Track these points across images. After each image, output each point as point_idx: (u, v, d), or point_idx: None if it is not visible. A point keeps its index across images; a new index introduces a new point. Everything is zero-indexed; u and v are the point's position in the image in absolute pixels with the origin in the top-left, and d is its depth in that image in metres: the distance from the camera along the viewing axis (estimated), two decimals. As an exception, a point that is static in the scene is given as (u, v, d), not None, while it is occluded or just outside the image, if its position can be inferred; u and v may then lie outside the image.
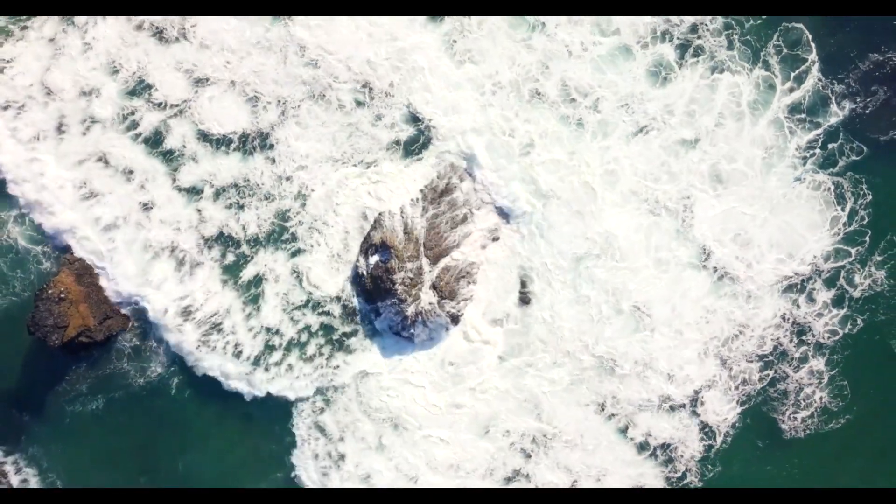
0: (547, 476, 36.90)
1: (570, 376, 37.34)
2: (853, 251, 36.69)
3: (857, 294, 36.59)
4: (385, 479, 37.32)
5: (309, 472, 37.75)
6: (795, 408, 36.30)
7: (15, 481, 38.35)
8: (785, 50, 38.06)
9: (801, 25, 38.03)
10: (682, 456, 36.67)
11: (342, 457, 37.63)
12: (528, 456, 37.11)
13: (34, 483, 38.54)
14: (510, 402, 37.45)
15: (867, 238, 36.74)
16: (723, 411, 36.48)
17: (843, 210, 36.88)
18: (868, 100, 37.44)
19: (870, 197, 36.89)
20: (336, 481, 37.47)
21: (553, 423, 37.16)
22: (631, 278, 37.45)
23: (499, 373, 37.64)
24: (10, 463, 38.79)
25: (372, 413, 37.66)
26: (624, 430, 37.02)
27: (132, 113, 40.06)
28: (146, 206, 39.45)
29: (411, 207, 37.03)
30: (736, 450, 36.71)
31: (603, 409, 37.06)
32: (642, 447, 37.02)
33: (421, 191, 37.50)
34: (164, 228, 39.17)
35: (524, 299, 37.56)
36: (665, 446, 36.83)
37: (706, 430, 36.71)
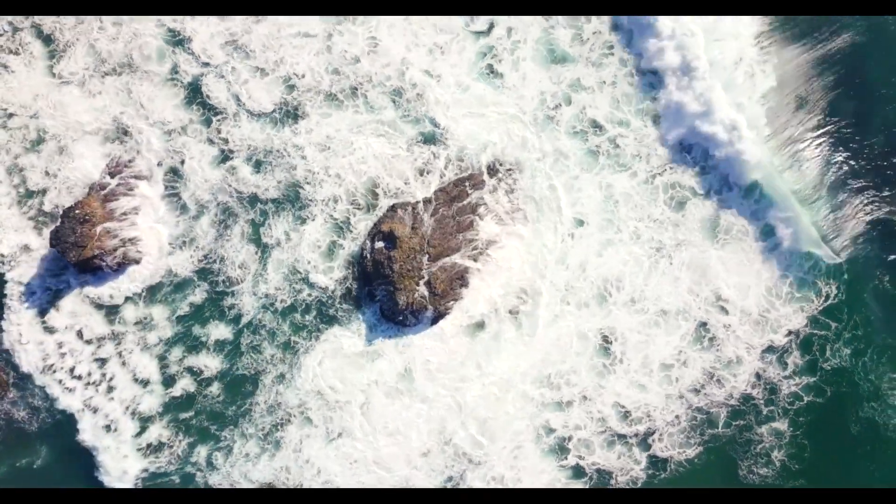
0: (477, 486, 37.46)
1: (521, 401, 38.09)
2: (833, 325, 36.88)
3: (826, 366, 36.70)
4: (332, 469, 38.44)
5: (248, 445, 39.18)
6: (753, 461, 36.52)
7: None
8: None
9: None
10: (616, 479, 37.01)
11: (279, 441, 39.02)
12: (470, 463, 37.76)
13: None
14: (457, 411, 38.33)
15: (843, 315, 36.94)
16: (676, 448, 36.85)
17: (829, 282, 37.27)
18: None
19: (846, 276, 37.20)
20: (266, 466, 38.77)
21: (490, 440, 37.88)
22: (611, 314, 38.36)
23: (460, 380, 38.64)
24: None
25: (325, 396, 38.98)
26: (558, 453, 37.57)
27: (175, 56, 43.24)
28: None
29: (423, 205, 39.04)
30: (683, 481, 36.80)
31: (544, 437, 37.64)
32: (578, 471, 37.44)
33: (435, 192, 39.55)
34: (198, 186, 41.90)
35: (510, 311, 39.02)
36: (602, 472, 37.23)
37: (655, 462, 36.97)
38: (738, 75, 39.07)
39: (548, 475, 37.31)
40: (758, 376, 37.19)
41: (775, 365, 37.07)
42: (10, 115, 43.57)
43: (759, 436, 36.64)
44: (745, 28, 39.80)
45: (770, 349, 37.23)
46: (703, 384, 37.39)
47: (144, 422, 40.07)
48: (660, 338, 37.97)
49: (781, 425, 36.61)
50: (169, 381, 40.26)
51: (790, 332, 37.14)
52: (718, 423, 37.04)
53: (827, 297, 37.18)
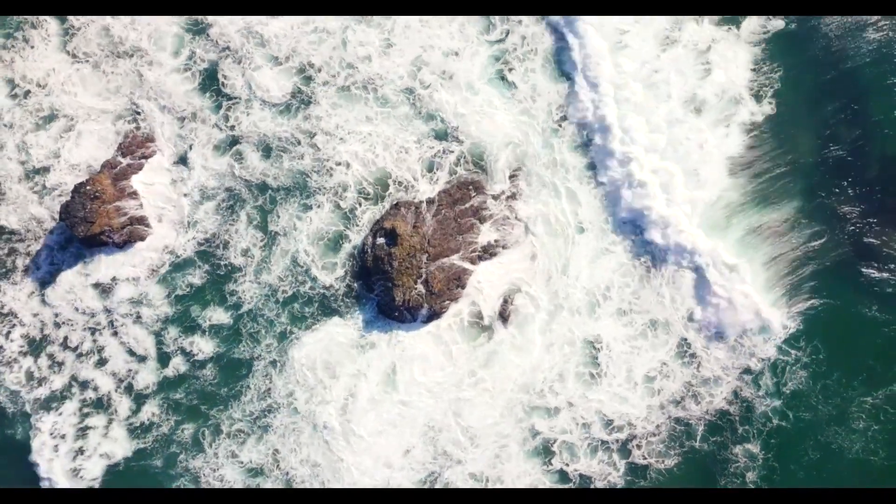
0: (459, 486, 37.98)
1: (509, 404, 38.62)
2: (793, 353, 36.90)
3: (787, 390, 36.72)
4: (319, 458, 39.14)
5: (238, 426, 39.94)
6: (729, 480, 36.63)
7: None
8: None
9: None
10: (595, 484, 37.44)
11: (268, 426, 39.79)
12: (452, 461, 38.30)
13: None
14: (443, 410, 38.96)
15: (802, 342, 37.05)
16: (655, 456, 37.26)
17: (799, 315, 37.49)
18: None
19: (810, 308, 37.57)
20: (252, 448, 39.40)
21: (476, 440, 38.41)
22: (601, 323, 38.70)
23: (449, 379, 39.19)
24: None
25: (315, 387, 39.61)
26: (542, 455, 38.10)
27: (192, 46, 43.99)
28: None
29: (427, 205, 39.84)
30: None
31: (530, 439, 38.22)
32: (561, 474, 37.94)
33: (439, 193, 40.27)
34: (207, 170, 42.59)
35: (504, 315, 39.70)
36: (583, 476, 37.69)
37: (635, 470, 37.39)
38: (723, 104, 39.48)
39: (531, 477, 38.05)
40: (735, 394, 37.51)
41: (751, 385, 37.38)
42: (27, 93, 44.28)
43: (735, 456, 36.92)
44: (741, 56, 39.96)
45: (747, 370, 37.53)
46: (682, 397, 37.84)
47: (138, 400, 40.84)
48: (646, 350, 38.43)
49: (754, 447, 36.82)
50: (163, 360, 41.02)
51: (763, 360, 37.30)
52: (696, 436, 37.47)
53: (789, 328, 37.38)
